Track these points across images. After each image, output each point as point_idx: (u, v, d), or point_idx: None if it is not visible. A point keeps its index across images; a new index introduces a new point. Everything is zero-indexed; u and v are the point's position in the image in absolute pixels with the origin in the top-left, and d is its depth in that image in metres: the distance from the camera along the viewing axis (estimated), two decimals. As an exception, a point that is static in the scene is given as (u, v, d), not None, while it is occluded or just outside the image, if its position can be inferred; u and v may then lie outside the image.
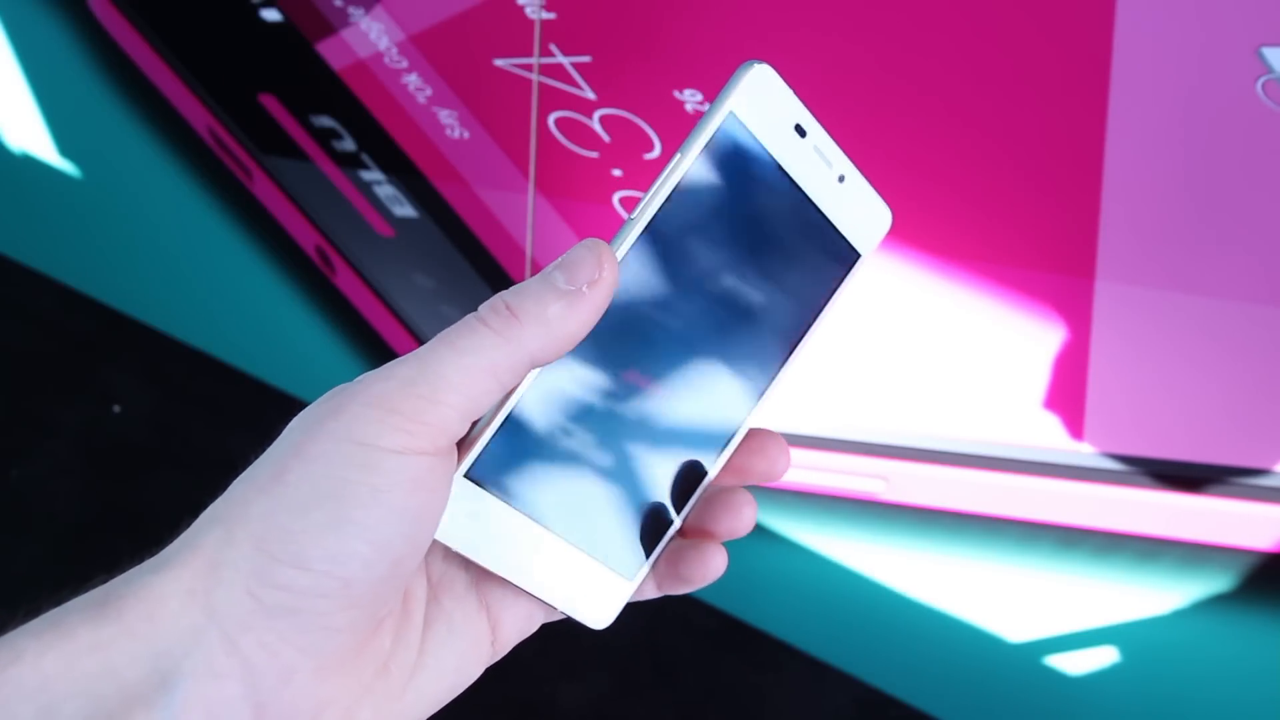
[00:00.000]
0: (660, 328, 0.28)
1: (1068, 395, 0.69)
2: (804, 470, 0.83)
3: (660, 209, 0.27)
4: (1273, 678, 0.75)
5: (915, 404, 0.75)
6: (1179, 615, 0.75)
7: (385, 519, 0.24)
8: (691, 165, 0.27)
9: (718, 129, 0.28)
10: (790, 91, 0.30)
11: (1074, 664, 0.84)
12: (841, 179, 0.32)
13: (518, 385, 0.27)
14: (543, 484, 0.28)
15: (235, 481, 0.25)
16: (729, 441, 0.31)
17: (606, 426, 0.28)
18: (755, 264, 0.30)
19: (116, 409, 1.22)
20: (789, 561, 0.90)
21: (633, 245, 0.27)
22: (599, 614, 0.30)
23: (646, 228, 0.27)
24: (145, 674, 0.22)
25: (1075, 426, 0.70)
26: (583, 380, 0.28)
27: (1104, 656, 0.82)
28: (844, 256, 0.33)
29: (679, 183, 0.27)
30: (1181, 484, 0.69)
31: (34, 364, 1.26)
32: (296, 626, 0.23)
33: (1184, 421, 0.67)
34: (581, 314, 0.26)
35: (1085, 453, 0.71)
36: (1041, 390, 0.70)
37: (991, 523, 0.79)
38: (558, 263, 0.26)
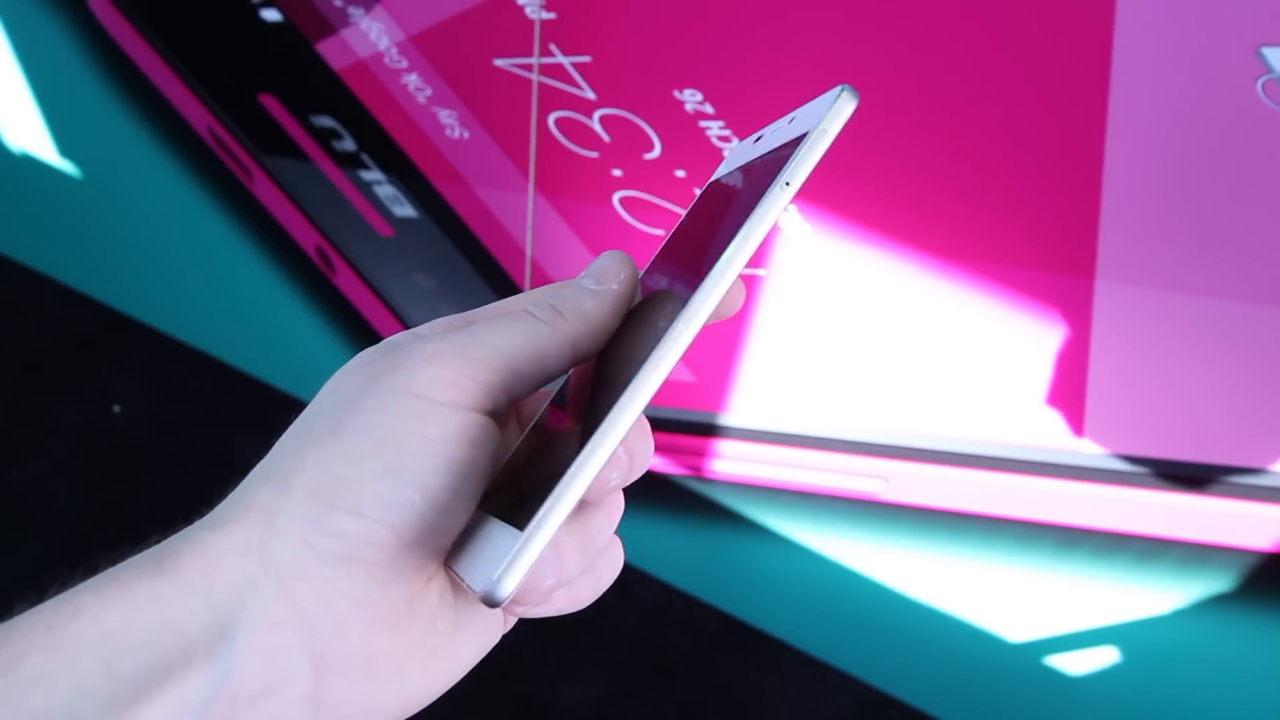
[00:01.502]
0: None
1: (1068, 395, 0.69)
2: (804, 470, 0.83)
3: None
4: (1273, 678, 0.75)
5: (915, 404, 0.75)
6: (1179, 615, 0.75)
7: (437, 469, 0.25)
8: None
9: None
10: None
11: (1074, 664, 0.84)
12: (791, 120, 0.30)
13: (556, 376, 0.28)
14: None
15: (282, 439, 0.26)
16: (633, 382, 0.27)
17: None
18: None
19: (116, 409, 1.22)
20: (789, 561, 0.90)
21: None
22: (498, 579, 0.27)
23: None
24: (204, 626, 0.23)
25: (1075, 426, 0.70)
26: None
27: (1104, 656, 0.82)
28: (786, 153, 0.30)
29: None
30: (1182, 484, 0.69)
31: (34, 364, 1.26)
32: (350, 575, 0.24)
33: (1184, 421, 0.67)
34: (612, 307, 0.28)
35: (1085, 453, 0.71)
36: (1041, 390, 0.70)
37: (991, 523, 0.79)
38: (585, 271, 0.28)
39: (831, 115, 0.29)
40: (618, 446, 0.26)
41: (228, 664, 0.23)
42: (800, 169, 0.28)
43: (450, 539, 0.26)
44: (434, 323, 0.29)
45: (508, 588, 0.24)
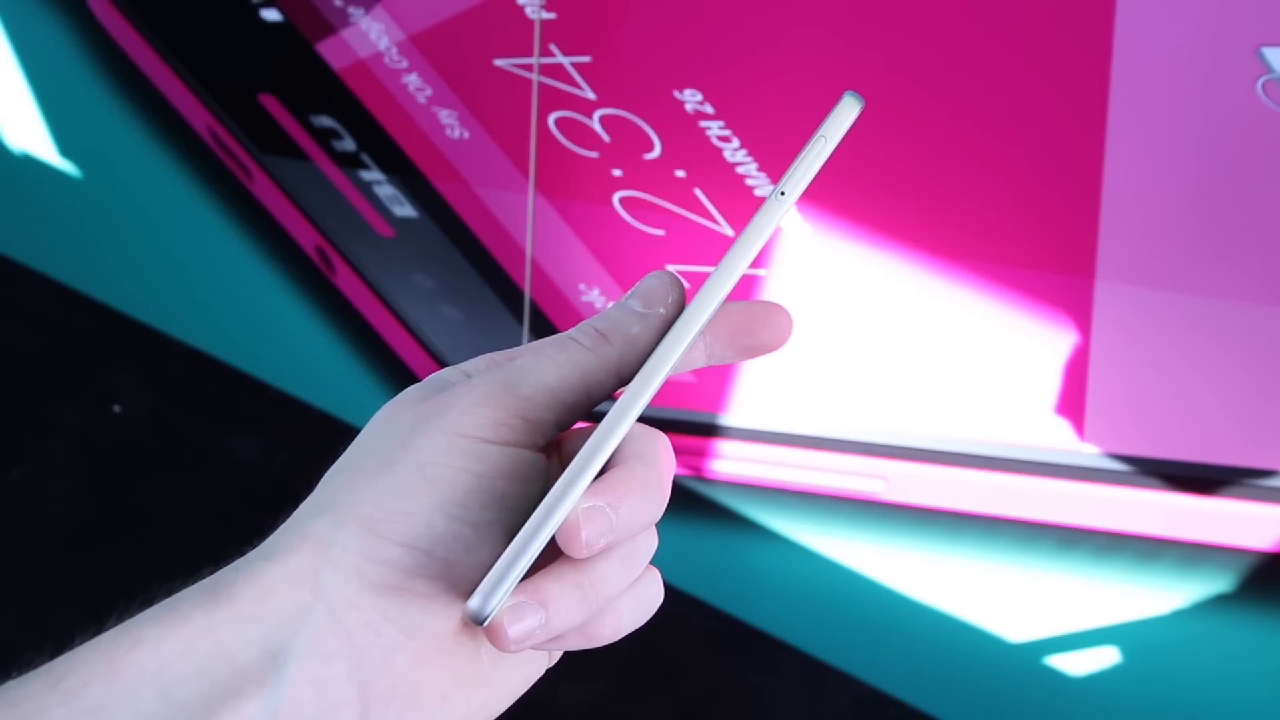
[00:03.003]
0: None
1: (1068, 395, 0.69)
2: (804, 470, 0.83)
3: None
4: (1273, 678, 0.75)
5: (915, 404, 0.76)
6: (1179, 615, 0.75)
7: (488, 505, 0.26)
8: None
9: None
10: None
11: (1074, 664, 0.84)
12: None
13: (602, 402, 0.28)
14: None
15: (331, 471, 0.27)
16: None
17: None
18: None
19: (116, 409, 1.22)
20: (789, 561, 0.90)
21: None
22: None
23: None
24: (257, 654, 0.24)
25: (1076, 426, 0.70)
26: None
27: (1104, 656, 0.82)
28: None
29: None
30: (1182, 484, 0.69)
31: (34, 364, 1.26)
32: (399, 606, 0.25)
33: (1184, 421, 0.67)
34: (659, 330, 0.28)
35: (1085, 453, 0.71)
36: (1041, 390, 0.70)
37: (991, 523, 0.79)
38: (631, 292, 0.28)
39: (831, 121, 0.29)
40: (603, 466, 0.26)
41: (280, 691, 0.23)
42: (796, 177, 0.28)
43: None
44: (479, 360, 0.29)
45: (488, 606, 0.25)
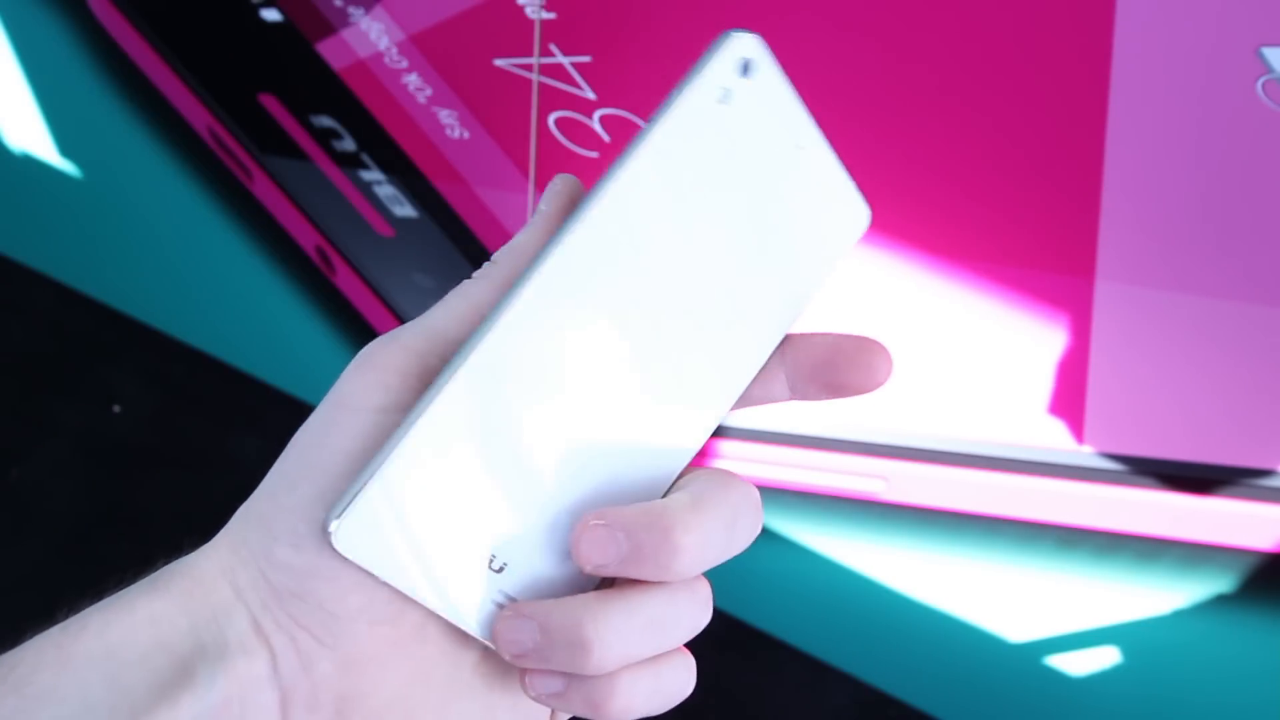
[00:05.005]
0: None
1: (1068, 395, 0.69)
2: (804, 470, 0.83)
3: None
4: (1273, 678, 0.75)
5: (915, 404, 0.75)
6: (1179, 615, 0.75)
7: None
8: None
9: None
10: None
11: (1074, 664, 0.84)
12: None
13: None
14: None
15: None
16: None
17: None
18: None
19: (116, 409, 1.22)
20: (789, 561, 0.90)
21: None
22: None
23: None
24: (191, 648, 0.23)
25: (1075, 426, 0.70)
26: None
27: (1104, 656, 0.82)
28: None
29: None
30: (1182, 484, 0.69)
31: (34, 364, 1.26)
32: (305, 611, 0.23)
33: (1184, 421, 0.67)
34: (543, 230, 0.25)
35: (1085, 453, 0.71)
36: (1042, 390, 0.70)
37: (991, 523, 0.78)
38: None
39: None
40: None
41: (211, 689, 0.22)
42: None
43: None
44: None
45: (340, 523, 0.22)
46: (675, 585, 0.23)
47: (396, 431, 0.23)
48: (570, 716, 0.25)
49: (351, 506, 0.22)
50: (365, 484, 0.22)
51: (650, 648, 0.23)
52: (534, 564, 0.24)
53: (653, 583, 0.23)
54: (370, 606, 0.23)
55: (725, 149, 0.26)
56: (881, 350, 0.26)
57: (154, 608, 0.23)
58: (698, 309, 0.26)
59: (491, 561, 0.24)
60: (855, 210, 0.28)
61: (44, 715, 0.21)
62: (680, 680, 0.24)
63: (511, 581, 0.24)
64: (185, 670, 0.22)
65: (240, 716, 0.23)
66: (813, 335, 0.26)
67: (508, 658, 0.24)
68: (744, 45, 0.26)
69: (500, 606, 0.24)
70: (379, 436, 0.23)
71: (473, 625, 0.24)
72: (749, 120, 0.26)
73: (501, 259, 0.26)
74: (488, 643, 0.24)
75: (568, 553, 0.24)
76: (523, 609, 0.23)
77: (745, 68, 0.26)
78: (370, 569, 0.23)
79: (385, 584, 0.23)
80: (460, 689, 0.25)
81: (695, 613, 0.24)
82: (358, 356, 0.24)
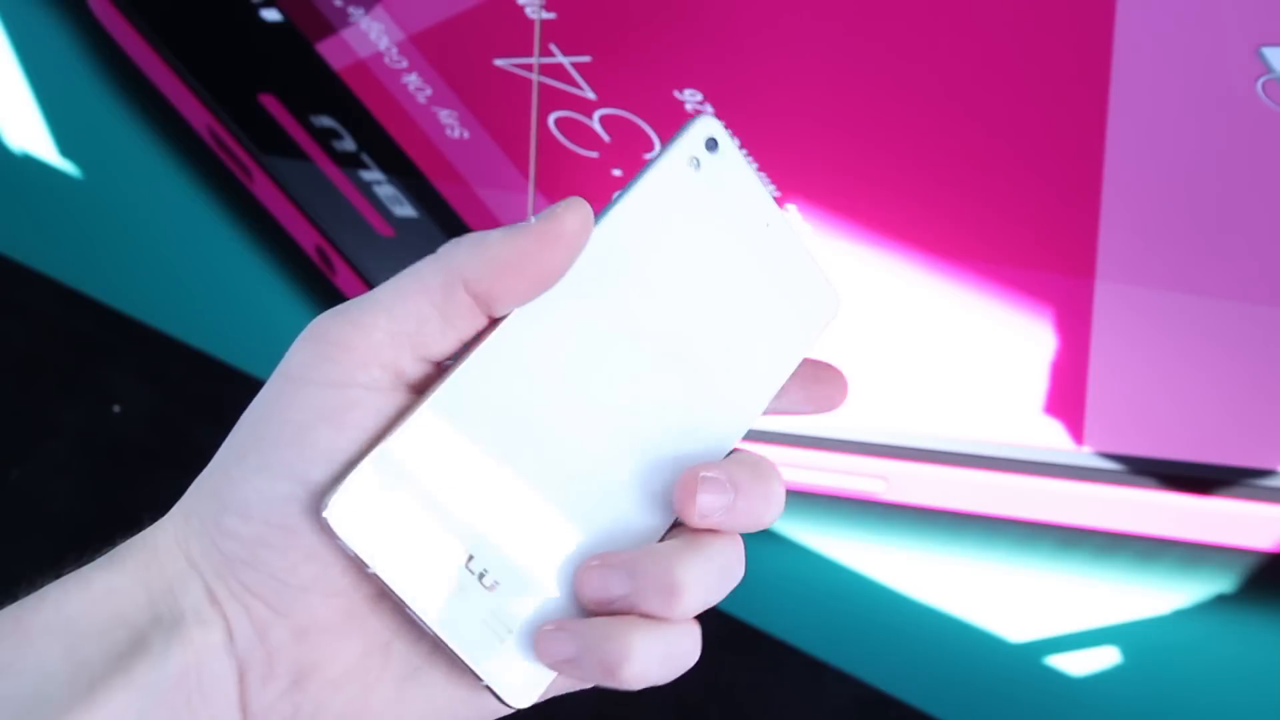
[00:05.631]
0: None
1: (1068, 395, 0.69)
2: (804, 470, 0.83)
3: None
4: (1273, 678, 0.75)
5: (915, 404, 0.75)
6: (1179, 615, 0.75)
7: (313, 459, 0.23)
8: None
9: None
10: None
11: (1074, 664, 0.84)
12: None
13: (461, 322, 0.25)
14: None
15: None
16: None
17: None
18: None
19: (116, 409, 1.22)
20: (789, 561, 0.90)
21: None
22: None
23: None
24: (149, 620, 0.23)
25: (1075, 426, 0.70)
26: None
27: (1104, 656, 0.82)
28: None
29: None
30: (1182, 484, 0.69)
31: (34, 364, 1.26)
32: (258, 580, 0.23)
33: (1184, 421, 0.67)
34: (521, 242, 0.25)
35: (1085, 453, 0.71)
36: (1041, 390, 0.70)
37: (991, 523, 0.78)
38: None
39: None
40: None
41: (167, 659, 0.23)
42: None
43: None
44: None
45: (332, 500, 0.22)
46: (736, 535, 0.25)
47: (405, 411, 0.24)
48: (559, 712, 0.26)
49: (346, 482, 0.23)
50: (362, 461, 0.23)
51: (718, 594, 0.24)
52: (523, 581, 0.25)
53: (723, 532, 0.24)
54: (324, 576, 0.24)
55: (699, 211, 0.28)
56: (842, 379, 0.29)
57: (111, 581, 0.24)
58: (677, 357, 0.28)
59: (483, 578, 0.24)
60: (824, 297, 0.30)
61: (3, 687, 0.22)
62: (688, 647, 0.26)
63: (501, 597, 0.25)
64: (142, 641, 0.23)
65: (197, 686, 0.23)
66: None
67: (590, 606, 0.24)
68: (709, 126, 0.29)
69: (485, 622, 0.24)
70: (324, 409, 0.23)
71: (451, 633, 0.24)
72: (718, 190, 0.28)
73: (465, 241, 0.26)
74: (460, 654, 0.24)
75: (556, 570, 0.25)
76: (609, 559, 0.24)
77: (711, 144, 0.28)
78: (357, 549, 0.23)
79: (352, 559, 0.23)
80: (419, 662, 0.25)
81: (741, 566, 0.25)
82: (305, 330, 0.25)
